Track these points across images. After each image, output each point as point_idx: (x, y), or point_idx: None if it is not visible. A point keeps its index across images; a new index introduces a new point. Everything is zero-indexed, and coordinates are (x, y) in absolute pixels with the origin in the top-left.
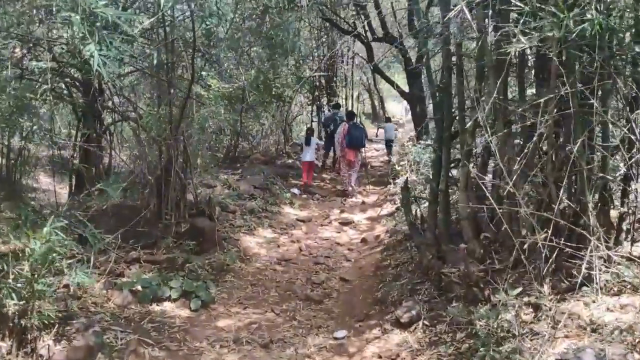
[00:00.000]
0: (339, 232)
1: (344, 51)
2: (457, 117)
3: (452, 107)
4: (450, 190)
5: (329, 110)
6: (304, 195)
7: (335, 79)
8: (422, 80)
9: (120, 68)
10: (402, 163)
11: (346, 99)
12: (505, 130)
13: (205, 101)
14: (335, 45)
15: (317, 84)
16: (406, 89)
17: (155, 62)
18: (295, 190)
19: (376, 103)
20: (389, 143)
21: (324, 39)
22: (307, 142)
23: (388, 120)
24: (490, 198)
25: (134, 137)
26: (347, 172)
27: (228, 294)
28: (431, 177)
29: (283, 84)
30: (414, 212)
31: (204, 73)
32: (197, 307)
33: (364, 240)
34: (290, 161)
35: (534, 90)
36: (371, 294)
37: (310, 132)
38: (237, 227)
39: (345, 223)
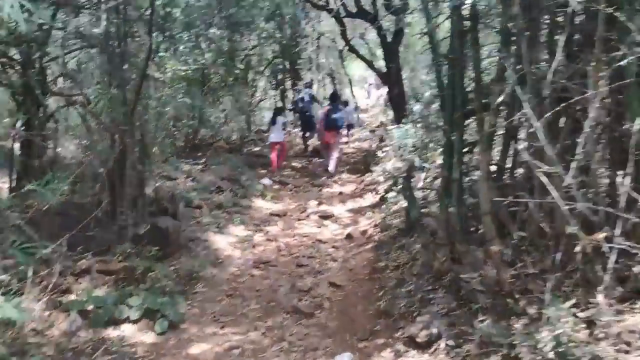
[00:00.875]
0: (320, 227)
1: (308, 32)
2: (469, 94)
3: (465, 82)
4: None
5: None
6: (276, 186)
7: (299, 61)
8: (400, 59)
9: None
10: (385, 149)
11: (312, 82)
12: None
13: (161, 84)
14: (300, 25)
15: (281, 67)
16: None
17: (103, 32)
18: (266, 181)
19: (337, 87)
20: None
21: (287, 18)
22: (273, 121)
23: (345, 104)
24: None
25: (82, 124)
26: (326, 154)
27: (200, 309)
28: (442, 163)
29: (245, 65)
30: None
31: (160, 54)
32: (163, 329)
33: (349, 237)
34: (257, 149)
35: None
36: (371, 304)
37: (278, 110)
38: (205, 225)
39: (325, 216)
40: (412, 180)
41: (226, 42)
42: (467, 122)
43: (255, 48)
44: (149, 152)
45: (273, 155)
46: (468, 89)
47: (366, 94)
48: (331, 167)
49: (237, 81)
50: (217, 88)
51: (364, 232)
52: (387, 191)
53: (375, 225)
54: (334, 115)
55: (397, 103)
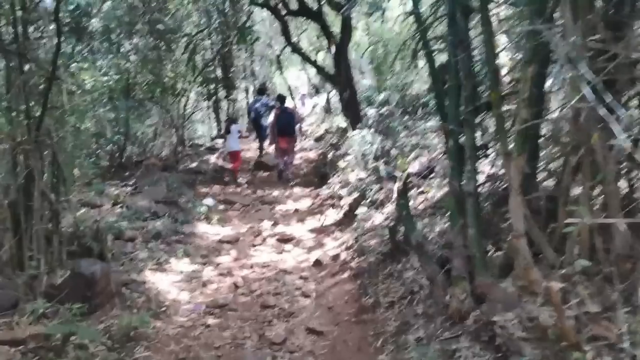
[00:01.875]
0: (280, 254)
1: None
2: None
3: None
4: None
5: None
6: (221, 206)
7: (232, 69)
8: (349, 61)
9: None
10: (346, 158)
11: (246, 91)
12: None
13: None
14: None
15: (213, 75)
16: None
17: None
18: (210, 201)
19: (271, 97)
20: None
21: (216, 24)
22: (228, 130)
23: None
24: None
25: None
26: (281, 160)
27: None
28: (451, 174)
29: (175, 74)
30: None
31: (77, 63)
32: None
33: (317, 264)
34: (194, 164)
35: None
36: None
37: (230, 120)
38: (142, 263)
39: (285, 239)
40: (408, 195)
41: (151, 50)
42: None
43: (184, 55)
44: (63, 175)
45: (235, 165)
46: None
47: (300, 104)
48: (286, 172)
49: (166, 92)
50: (143, 100)
51: (335, 257)
52: (352, 206)
53: (348, 248)
54: (284, 120)
55: (350, 107)
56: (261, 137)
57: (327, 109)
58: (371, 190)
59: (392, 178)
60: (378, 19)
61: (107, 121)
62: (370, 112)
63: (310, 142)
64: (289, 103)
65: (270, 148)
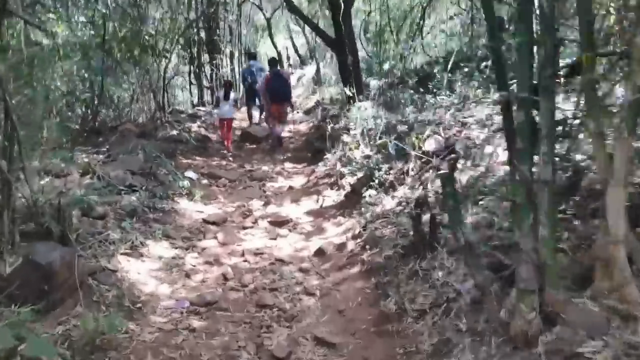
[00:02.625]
0: (275, 239)
1: None
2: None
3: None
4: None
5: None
6: (205, 180)
7: (218, 32)
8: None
9: None
10: (352, 132)
11: (231, 57)
12: None
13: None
14: None
15: (196, 38)
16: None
17: None
18: (192, 174)
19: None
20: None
21: None
22: (226, 96)
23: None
24: None
25: None
26: (274, 126)
27: None
28: (519, 157)
29: (156, 33)
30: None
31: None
32: None
33: (320, 253)
34: (174, 132)
35: None
36: None
37: (228, 85)
38: (113, 246)
39: (279, 222)
40: (454, 182)
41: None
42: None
43: (166, 14)
44: (18, 137)
45: (224, 132)
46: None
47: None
48: (276, 135)
49: (146, 52)
50: (121, 60)
51: (340, 247)
52: (356, 187)
53: (355, 237)
54: (277, 85)
55: (352, 77)
56: (253, 105)
57: (317, 80)
58: (379, 170)
59: (403, 157)
60: None
61: (80, 80)
62: (373, 83)
63: (300, 114)
64: None
65: (262, 118)
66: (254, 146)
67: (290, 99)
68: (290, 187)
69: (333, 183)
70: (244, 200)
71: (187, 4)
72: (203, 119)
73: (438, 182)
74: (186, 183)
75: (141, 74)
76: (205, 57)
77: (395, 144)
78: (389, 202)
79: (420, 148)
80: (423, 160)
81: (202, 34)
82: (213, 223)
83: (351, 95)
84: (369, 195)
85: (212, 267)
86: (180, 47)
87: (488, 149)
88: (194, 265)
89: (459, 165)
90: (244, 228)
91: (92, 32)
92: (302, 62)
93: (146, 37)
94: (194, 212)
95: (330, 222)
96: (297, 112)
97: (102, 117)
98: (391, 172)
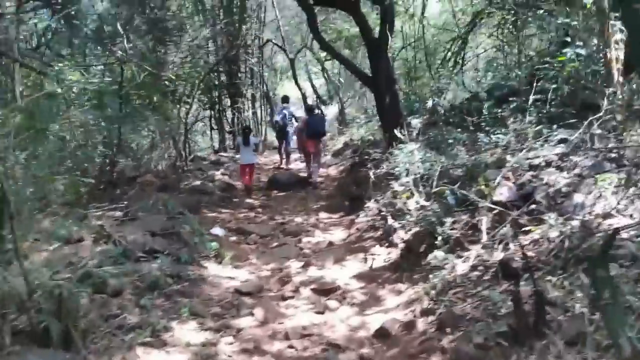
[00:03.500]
0: (322, 313)
1: (249, 38)
2: None
3: None
4: None
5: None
6: (233, 237)
7: (239, 74)
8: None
9: None
10: (402, 178)
11: (253, 99)
12: None
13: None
14: (240, 29)
15: (216, 82)
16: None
17: None
18: (218, 230)
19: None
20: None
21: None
22: (246, 141)
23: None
24: None
25: None
26: (309, 163)
27: None
28: None
29: (176, 77)
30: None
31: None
32: None
33: (382, 334)
34: (197, 182)
35: None
36: None
37: (247, 129)
38: (130, 334)
39: (325, 290)
40: (608, 249)
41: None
42: None
43: (186, 59)
44: (9, 206)
45: (245, 179)
46: None
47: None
48: (314, 177)
49: (166, 98)
50: (139, 106)
51: (408, 326)
52: (413, 244)
53: (425, 313)
54: (315, 122)
55: (390, 115)
56: (286, 149)
57: (341, 120)
58: (442, 224)
59: (465, 207)
60: (413, 17)
61: (97, 130)
62: (414, 122)
63: (328, 157)
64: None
65: (291, 164)
66: (283, 194)
67: (323, 134)
68: (330, 243)
69: (381, 238)
70: (280, 261)
71: (207, 47)
72: (226, 165)
73: (523, 241)
74: (214, 245)
75: (160, 120)
76: (226, 101)
77: (454, 192)
78: (460, 266)
79: (487, 196)
80: (495, 212)
81: (223, 78)
82: (248, 294)
83: (393, 135)
84: (435, 257)
85: (251, 357)
86: (200, 92)
87: (577, 197)
88: (229, 356)
89: (548, 219)
90: (284, 299)
91: (110, 78)
92: (323, 103)
93: (166, 82)
94: (224, 278)
95: (387, 289)
96: (325, 155)
97: (121, 167)
98: (455, 226)
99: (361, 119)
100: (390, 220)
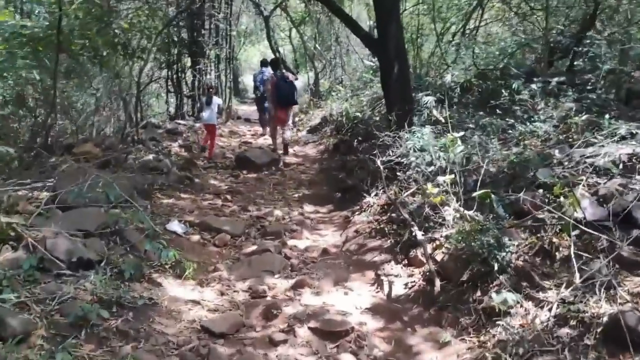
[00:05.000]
0: None
1: None
2: None
3: None
4: None
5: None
6: (195, 235)
7: (203, 31)
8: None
9: None
10: (441, 179)
11: (217, 61)
12: None
13: None
14: None
15: (176, 37)
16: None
17: None
18: (177, 226)
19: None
20: None
21: None
22: (208, 101)
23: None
24: None
25: None
26: (277, 130)
27: None
28: None
29: (129, 26)
30: None
31: None
32: None
33: None
34: (149, 157)
35: None
36: None
37: (211, 89)
38: None
39: (331, 333)
40: None
41: None
42: None
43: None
44: None
45: (211, 142)
46: None
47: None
48: (288, 138)
49: (116, 50)
50: (83, 60)
51: None
52: (450, 270)
53: None
54: (285, 89)
55: (398, 90)
56: (264, 115)
57: (315, 92)
58: (501, 248)
59: (518, 219)
60: None
61: (30, 83)
62: (427, 99)
63: (303, 133)
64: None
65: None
66: (255, 175)
67: (295, 103)
68: (325, 251)
69: (393, 250)
70: (260, 277)
71: None
72: (185, 136)
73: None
74: (171, 254)
75: (109, 77)
76: (187, 61)
77: (502, 198)
78: (534, 312)
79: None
80: (575, 232)
81: (184, 34)
82: (220, 335)
83: (402, 114)
84: (497, 298)
85: None
86: (157, 48)
87: None
88: None
89: None
90: (274, 344)
91: (47, 22)
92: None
93: (117, 31)
94: (186, 303)
95: (420, 336)
96: (298, 130)
97: (59, 130)
98: (516, 249)
99: (341, 91)
100: (418, 234)
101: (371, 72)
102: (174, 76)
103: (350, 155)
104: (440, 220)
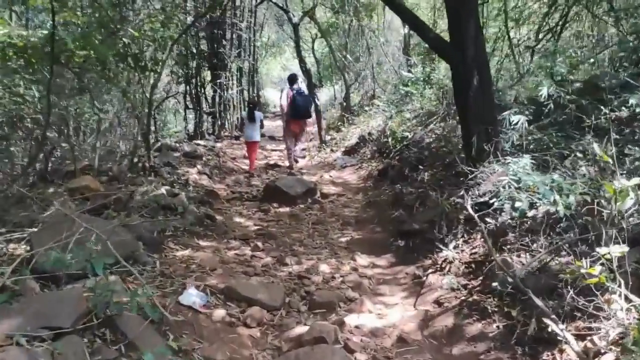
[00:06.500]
0: None
1: None
2: None
3: None
4: None
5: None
6: (220, 311)
7: (224, 42)
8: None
9: None
10: (602, 251)
11: (240, 75)
12: None
13: None
14: None
15: (194, 49)
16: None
17: None
18: (195, 296)
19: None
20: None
21: None
22: (251, 117)
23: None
24: None
25: None
26: (290, 144)
27: None
28: None
29: (140, 34)
30: None
31: None
32: None
33: None
34: (162, 190)
35: None
36: None
37: (253, 104)
38: None
39: None
40: None
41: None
42: None
43: (156, 14)
44: None
45: (252, 159)
46: None
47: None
48: (299, 154)
49: (126, 61)
50: (86, 71)
51: None
52: None
53: None
54: (301, 102)
55: (479, 107)
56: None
57: (346, 107)
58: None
59: None
60: None
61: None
62: (516, 119)
63: (338, 154)
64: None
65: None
66: (288, 210)
67: (309, 116)
68: (402, 339)
69: (508, 344)
70: None
71: (185, 3)
72: (205, 159)
73: None
74: None
75: (116, 92)
76: (206, 75)
77: None
78: None
79: None
80: None
81: (204, 45)
82: None
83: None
84: None
85: None
86: (174, 61)
87: None
88: None
89: None
90: None
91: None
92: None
93: (125, 41)
94: None
95: None
96: (332, 151)
97: (62, 155)
98: None
99: (380, 106)
100: (552, 324)
101: (410, 83)
102: (193, 91)
103: (405, 186)
104: (582, 303)
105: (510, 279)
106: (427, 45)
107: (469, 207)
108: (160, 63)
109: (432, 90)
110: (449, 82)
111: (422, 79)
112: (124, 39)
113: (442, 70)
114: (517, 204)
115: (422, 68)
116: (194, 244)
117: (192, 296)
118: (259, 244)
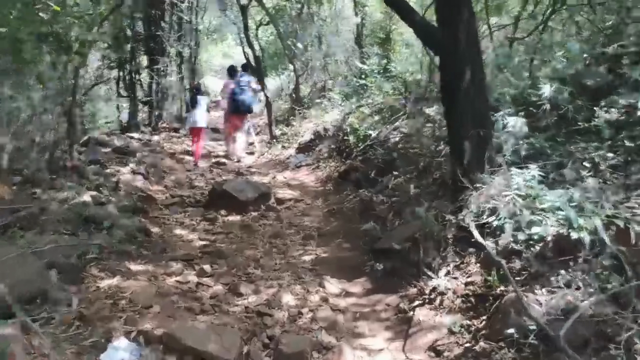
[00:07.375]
0: None
1: None
2: None
3: None
4: None
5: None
6: None
7: (163, 23)
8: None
9: None
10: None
11: (180, 61)
12: None
13: None
14: None
15: (129, 30)
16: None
17: None
18: (121, 352)
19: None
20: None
21: None
22: (193, 102)
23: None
24: None
25: None
26: (230, 137)
27: None
28: None
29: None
30: None
31: None
32: None
33: None
34: (87, 197)
35: None
36: None
37: (197, 89)
38: None
39: None
40: None
41: None
42: None
43: None
44: None
45: (197, 146)
46: None
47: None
48: (240, 151)
49: (50, 42)
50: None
51: None
52: None
53: None
54: (241, 97)
55: (471, 105)
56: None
57: (296, 99)
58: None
59: None
60: None
61: None
62: (513, 121)
63: (291, 151)
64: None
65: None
66: (239, 219)
67: (250, 111)
68: None
69: None
70: None
71: None
72: (139, 155)
73: None
74: None
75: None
76: (142, 59)
77: None
78: None
79: None
80: None
81: (140, 27)
82: None
83: (479, 144)
84: None
85: None
86: (107, 45)
87: None
88: None
89: None
90: None
91: None
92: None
93: (43, 15)
94: None
95: None
96: (282, 147)
97: None
98: None
99: (335, 99)
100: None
101: (364, 76)
102: (127, 77)
103: (374, 193)
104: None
105: (531, 324)
106: (382, 36)
107: (472, 227)
108: (86, 44)
109: (392, 84)
110: (410, 77)
111: (377, 71)
112: (41, 13)
113: (401, 63)
114: (536, 229)
115: (377, 59)
116: (124, 269)
117: (119, 351)
118: (206, 266)
